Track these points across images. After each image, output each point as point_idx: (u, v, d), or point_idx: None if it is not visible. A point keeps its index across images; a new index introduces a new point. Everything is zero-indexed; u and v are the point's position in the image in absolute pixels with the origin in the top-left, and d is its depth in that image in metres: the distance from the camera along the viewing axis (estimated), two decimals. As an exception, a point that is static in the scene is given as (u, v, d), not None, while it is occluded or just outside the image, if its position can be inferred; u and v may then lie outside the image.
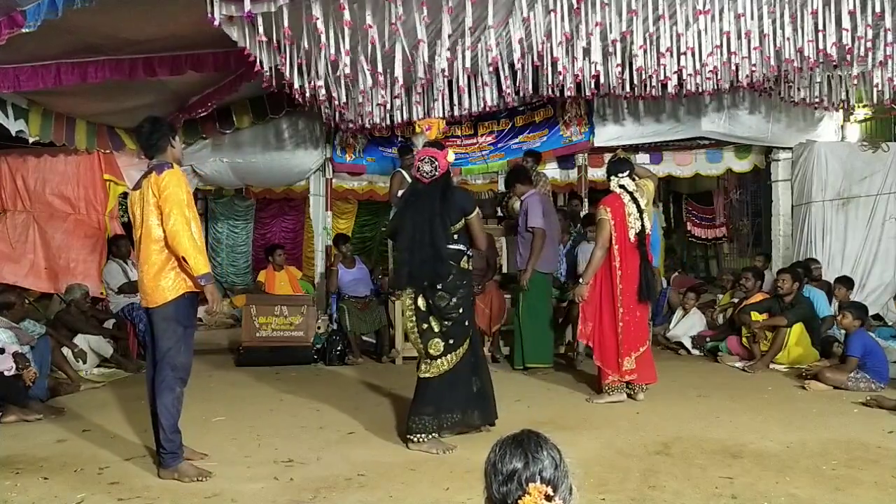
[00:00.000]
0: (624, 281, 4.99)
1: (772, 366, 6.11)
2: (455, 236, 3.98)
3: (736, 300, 7.30)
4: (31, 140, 6.50)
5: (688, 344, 7.07)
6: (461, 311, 3.99)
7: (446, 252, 3.92)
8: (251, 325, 6.93)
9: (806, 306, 6.33)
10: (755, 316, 6.31)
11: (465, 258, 4.05)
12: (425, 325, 4.01)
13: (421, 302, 4.02)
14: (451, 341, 3.99)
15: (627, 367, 5.00)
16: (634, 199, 5.01)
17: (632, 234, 4.98)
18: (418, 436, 3.93)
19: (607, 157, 8.49)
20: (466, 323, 4.06)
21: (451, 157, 4.04)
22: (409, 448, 3.94)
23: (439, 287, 3.93)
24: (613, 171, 5.12)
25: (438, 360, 3.99)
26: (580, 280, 5.22)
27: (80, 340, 6.16)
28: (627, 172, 5.08)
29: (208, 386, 5.71)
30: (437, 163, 3.97)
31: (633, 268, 5.01)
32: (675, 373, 6.02)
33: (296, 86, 5.34)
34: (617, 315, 5.01)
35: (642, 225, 4.99)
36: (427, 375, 4.01)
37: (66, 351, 5.89)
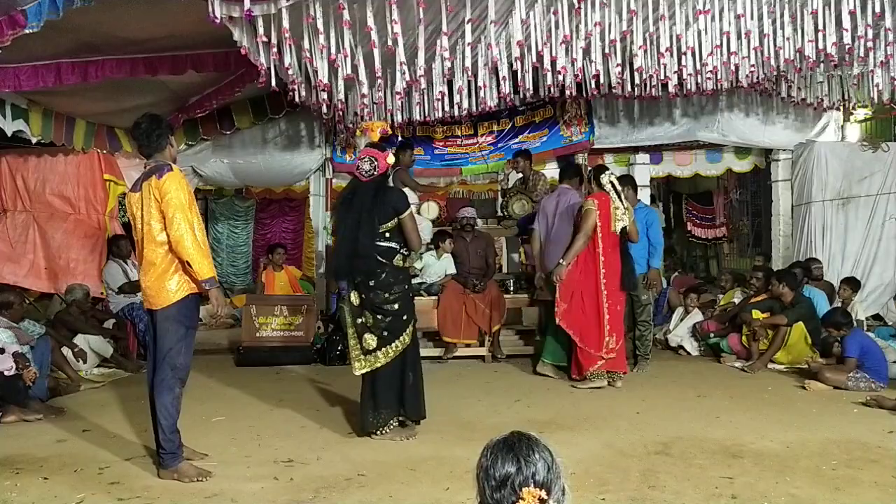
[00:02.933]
0: (606, 267, 5.38)
1: (771, 365, 6.10)
2: (387, 234, 4.11)
3: (736, 300, 7.29)
4: (33, 140, 6.50)
5: (688, 346, 7.05)
6: (397, 306, 4.11)
7: (370, 249, 4.05)
8: (251, 325, 6.93)
9: (806, 306, 6.33)
10: (756, 314, 6.31)
11: (399, 256, 4.17)
12: (360, 320, 4.15)
13: (354, 297, 4.16)
14: (385, 334, 4.10)
15: (611, 346, 5.37)
16: (620, 198, 5.42)
17: (617, 226, 5.37)
18: (380, 429, 4.09)
19: (607, 157, 8.59)
20: (405, 318, 4.16)
21: (390, 158, 4.22)
22: (372, 439, 4.07)
23: (371, 283, 4.09)
24: (601, 172, 5.54)
25: (373, 355, 4.09)
26: (560, 261, 5.49)
27: (80, 340, 6.15)
28: (610, 172, 5.58)
29: (208, 386, 5.72)
30: (376, 162, 4.12)
31: (615, 258, 5.44)
32: (675, 373, 6.02)
33: (295, 82, 5.33)
34: (601, 298, 5.38)
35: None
36: (363, 371, 4.11)
37: (66, 351, 5.88)
